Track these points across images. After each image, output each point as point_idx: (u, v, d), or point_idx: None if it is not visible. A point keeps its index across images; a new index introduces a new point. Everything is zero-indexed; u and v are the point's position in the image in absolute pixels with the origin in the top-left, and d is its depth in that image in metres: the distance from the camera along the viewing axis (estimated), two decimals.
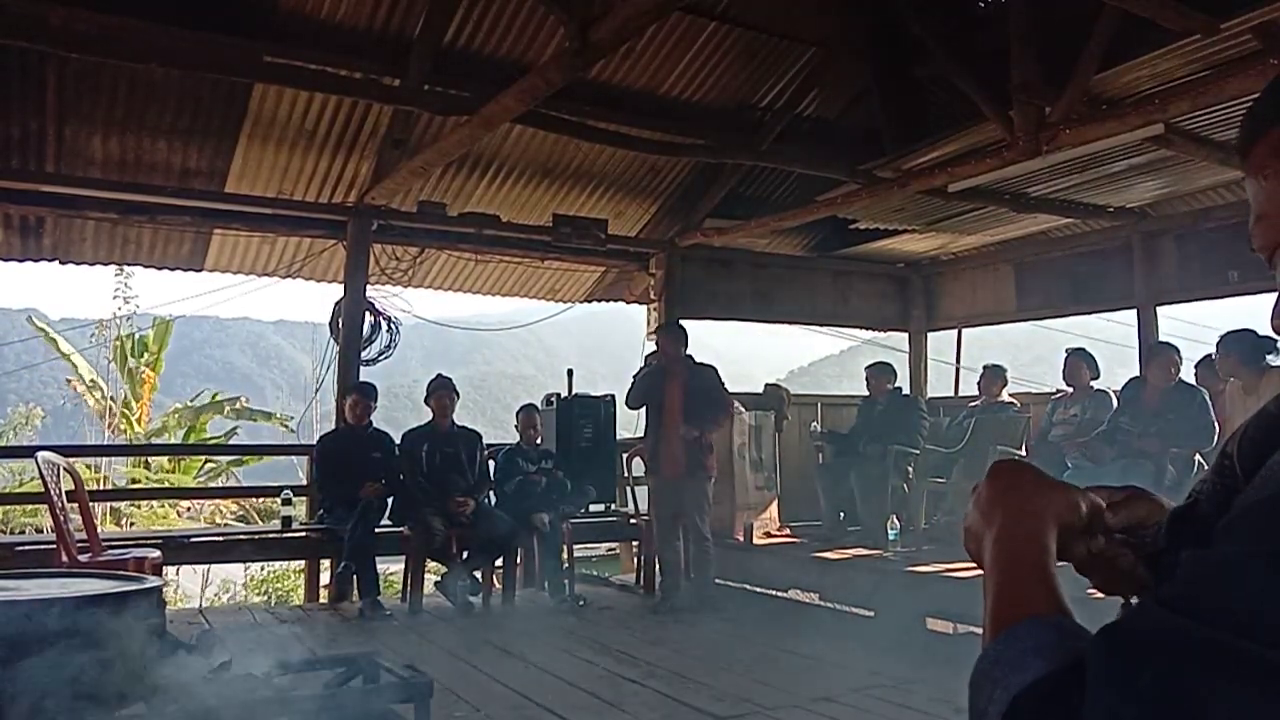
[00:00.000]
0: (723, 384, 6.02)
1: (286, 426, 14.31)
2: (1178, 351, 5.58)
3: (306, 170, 6.57)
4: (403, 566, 6.35)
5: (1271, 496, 0.49)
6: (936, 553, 6.11)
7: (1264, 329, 5.15)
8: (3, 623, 2.07)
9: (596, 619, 5.58)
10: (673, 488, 5.84)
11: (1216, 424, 5.25)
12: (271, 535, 6.60)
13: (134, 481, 13.10)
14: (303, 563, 7.55)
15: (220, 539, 6.56)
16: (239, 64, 5.40)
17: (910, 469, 6.84)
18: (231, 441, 15.08)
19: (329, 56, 5.65)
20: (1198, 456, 5.23)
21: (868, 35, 6.89)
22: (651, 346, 8.04)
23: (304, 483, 6.98)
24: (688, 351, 5.95)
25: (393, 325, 7.05)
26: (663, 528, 5.91)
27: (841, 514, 7.19)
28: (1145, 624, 0.49)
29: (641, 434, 7.77)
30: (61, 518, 4.60)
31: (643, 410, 6.16)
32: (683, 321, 7.22)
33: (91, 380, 14.57)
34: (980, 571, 0.68)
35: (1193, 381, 5.62)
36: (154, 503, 12.42)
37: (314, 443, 6.79)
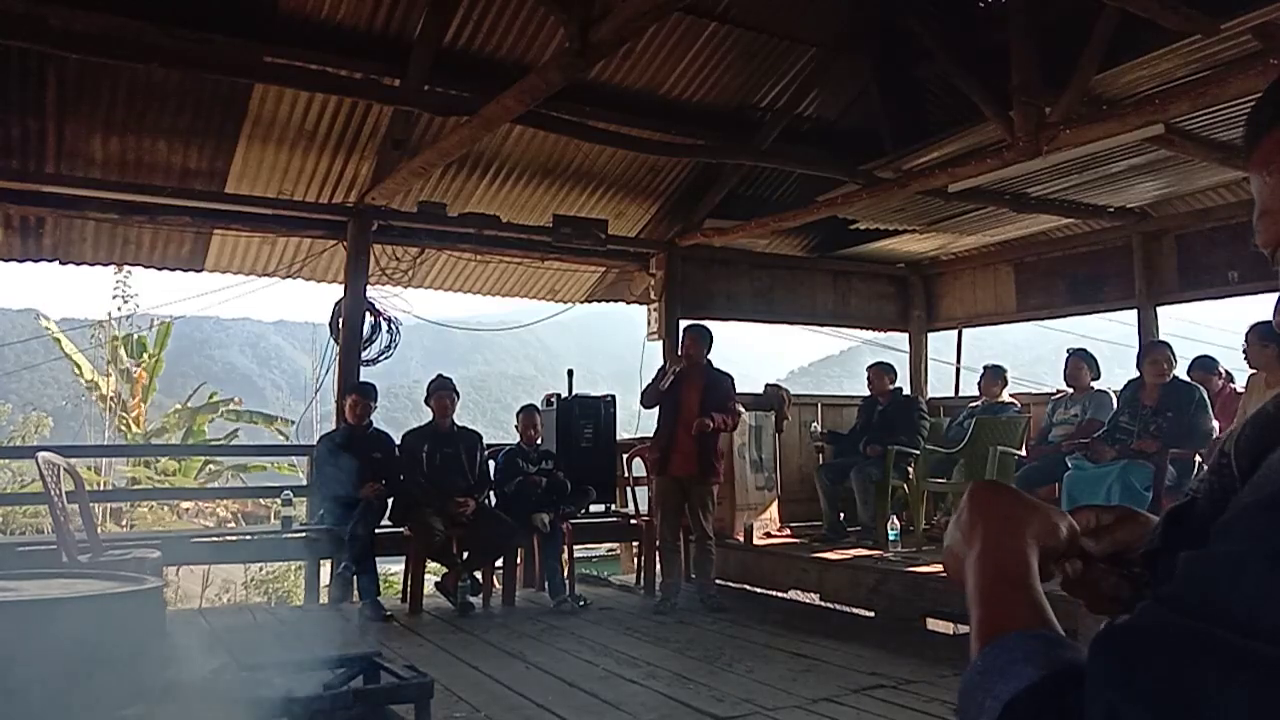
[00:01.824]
0: (735, 391, 6.02)
1: (283, 434, 14.32)
2: (1170, 349, 5.59)
3: (306, 170, 6.57)
4: (403, 566, 6.35)
5: (1269, 496, 0.49)
6: (936, 553, 6.08)
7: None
8: (3, 622, 2.07)
9: (596, 619, 5.58)
10: (680, 487, 5.84)
11: (1216, 424, 5.26)
12: (271, 535, 6.60)
13: (134, 482, 13.11)
14: (303, 563, 7.55)
15: (220, 539, 6.57)
16: (239, 64, 5.40)
17: (910, 469, 6.84)
18: (234, 442, 15.08)
19: (329, 56, 5.65)
20: (1198, 457, 5.24)
21: (868, 35, 6.90)
22: (652, 347, 8.08)
23: (304, 483, 6.98)
24: (709, 356, 5.94)
25: (393, 325, 7.05)
26: (666, 527, 5.91)
27: (841, 514, 7.19)
28: (1145, 623, 0.49)
29: (638, 434, 7.83)
30: (61, 518, 4.60)
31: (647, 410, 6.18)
32: (682, 321, 7.24)
33: (91, 380, 14.58)
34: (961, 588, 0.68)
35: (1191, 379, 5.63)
36: (154, 503, 12.42)
37: (314, 443, 6.79)
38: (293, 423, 13.84)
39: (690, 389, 5.79)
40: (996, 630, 0.58)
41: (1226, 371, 6.01)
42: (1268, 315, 0.66)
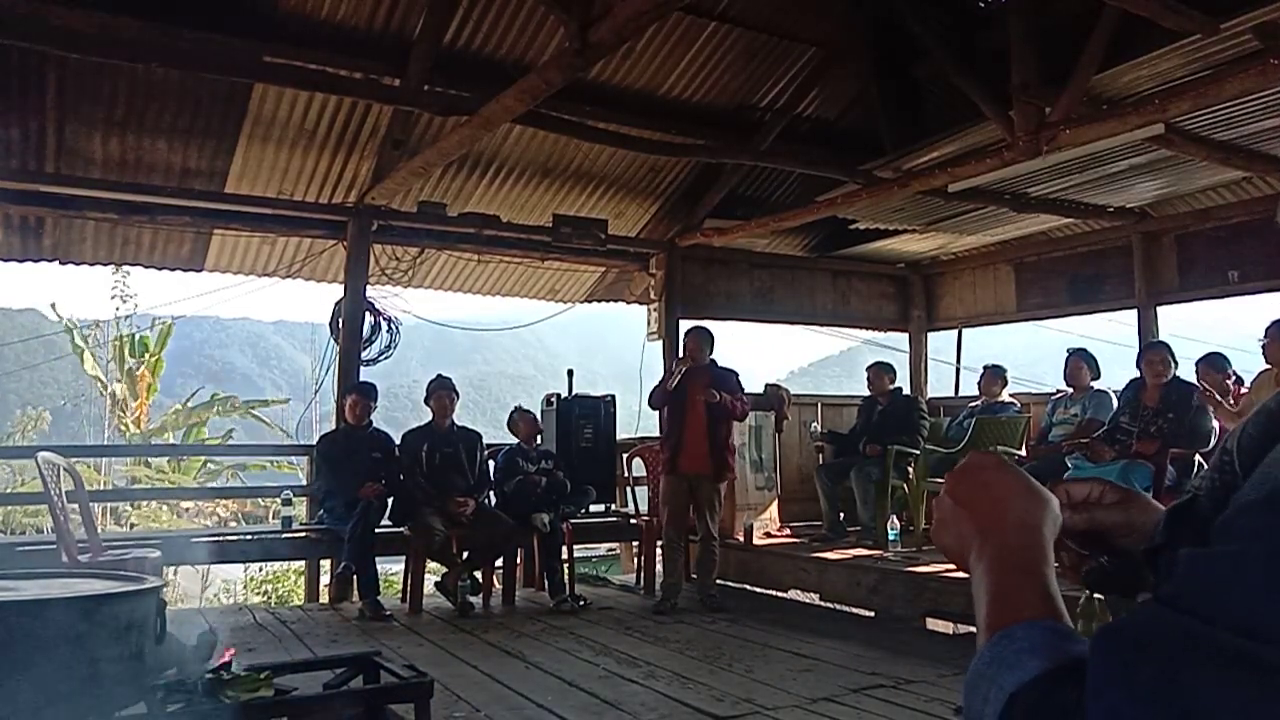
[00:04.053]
0: (743, 389, 6.02)
1: (275, 426, 14.38)
2: (1168, 349, 5.58)
3: (306, 170, 6.57)
4: (403, 566, 6.35)
5: (1268, 495, 0.49)
6: (936, 553, 6.09)
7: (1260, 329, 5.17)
8: (3, 622, 2.07)
9: (596, 619, 5.58)
10: (688, 486, 5.84)
11: (1216, 424, 5.25)
12: (271, 535, 6.60)
13: (134, 481, 13.10)
14: (303, 563, 7.55)
15: (220, 539, 6.56)
16: (239, 64, 5.40)
17: (910, 469, 6.84)
18: (230, 441, 15.09)
19: (329, 56, 5.65)
20: (1198, 457, 5.23)
21: (868, 35, 6.89)
22: (652, 347, 8.08)
23: (304, 483, 6.98)
24: (712, 355, 5.94)
25: (393, 325, 7.05)
26: (672, 526, 5.90)
27: (841, 514, 7.19)
28: (1146, 622, 0.49)
29: (638, 434, 7.83)
30: (61, 518, 4.60)
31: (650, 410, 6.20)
32: (682, 321, 7.25)
33: (97, 377, 14.60)
34: (958, 568, 0.68)
35: (1192, 380, 5.61)
36: (154, 503, 12.42)
37: (314, 443, 6.79)
38: (287, 401, 13.88)
39: (697, 388, 5.80)
40: (1005, 620, 0.58)
41: (1234, 372, 5.98)
42: (1266, 314, 0.66)
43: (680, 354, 6.01)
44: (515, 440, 6.34)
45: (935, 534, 0.71)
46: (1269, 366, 5.20)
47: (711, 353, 5.92)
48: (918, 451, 6.82)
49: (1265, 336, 5.10)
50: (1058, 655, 0.53)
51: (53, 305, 16.48)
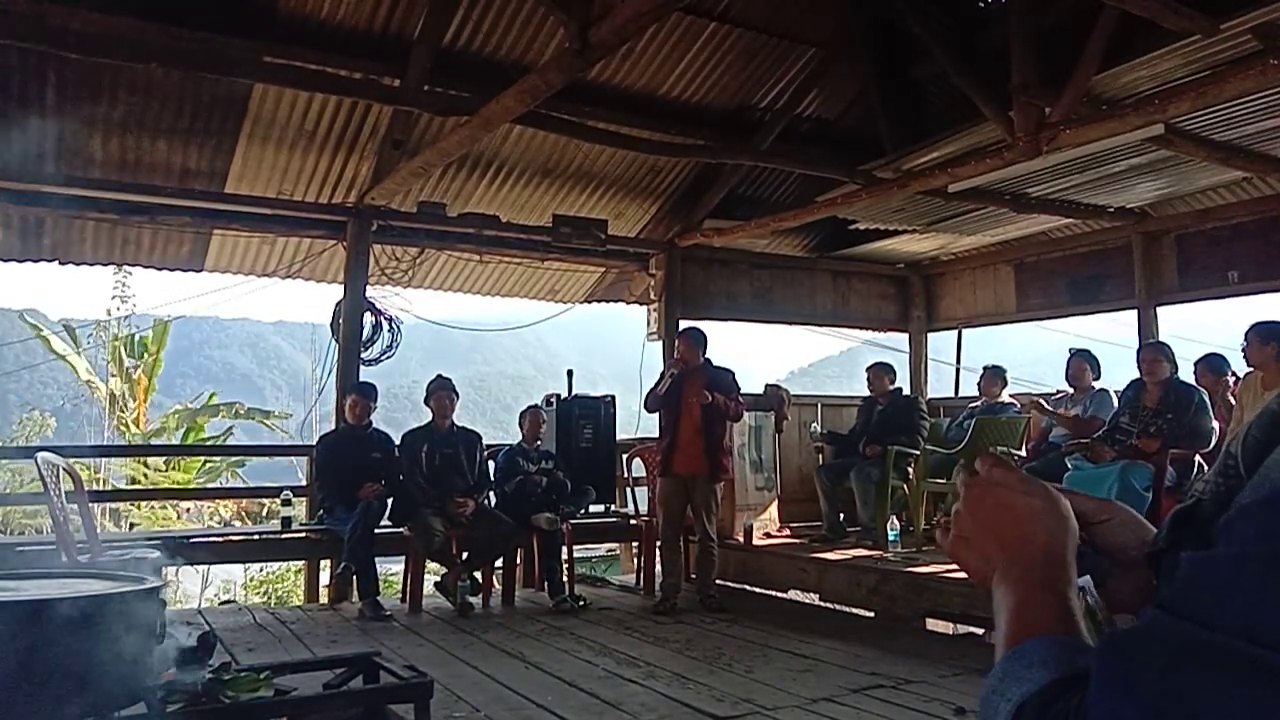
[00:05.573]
0: (739, 388, 6.02)
1: (284, 431, 14.38)
2: (1162, 349, 5.58)
3: (306, 170, 6.57)
4: (403, 566, 6.35)
5: (1267, 498, 0.49)
6: (936, 553, 6.11)
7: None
8: (3, 623, 2.07)
9: (596, 619, 5.58)
10: (684, 487, 5.83)
11: (1216, 424, 5.25)
12: (271, 535, 6.60)
13: (133, 481, 13.08)
14: (303, 563, 7.55)
15: (220, 539, 6.56)
16: (239, 64, 5.40)
17: (910, 469, 6.84)
18: (228, 441, 15.07)
19: (329, 56, 5.65)
20: (1198, 458, 5.23)
21: (867, 35, 6.90)
22: (652, 347, 8.08)
23: (304, 483, 6.98)
24: (706, 355, 5.93)
25: (393, 325, 7.05)
26: (669, 527, 5.90)
27: (841, 514, 7.19)
28: (1147, 627, 0.49)
29: (638, 434, 7.83)
30: (61, 518, 4.59)
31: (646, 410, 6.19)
32: (682, 321, 7.24)
33: (89, 380, 14.57)
34: (967, 575, 0.68)
35: (1191, 380, 5.61)
36: (154, 503, 12.40)
37: (314, 443, 6.79)
38: (289, 416, 13.87)
39: (692, 389, 5.79)
40: (1021, 636, 0.59)
41: (1233, 372, 5.98)
42: (1265, 315, 0.66)
43: (674, 356, 6.00)
44: (518, 439, 6.36)
45: (954, 550, 0.69)
46: (1253, 368, 5.20)
47: (705, 352, 5.91)
48: (918, 452, 6.82)
49: (1245, 339, 5.09)
50: (1066, 666, 0.54)
51: (21, 315, 15.22)
